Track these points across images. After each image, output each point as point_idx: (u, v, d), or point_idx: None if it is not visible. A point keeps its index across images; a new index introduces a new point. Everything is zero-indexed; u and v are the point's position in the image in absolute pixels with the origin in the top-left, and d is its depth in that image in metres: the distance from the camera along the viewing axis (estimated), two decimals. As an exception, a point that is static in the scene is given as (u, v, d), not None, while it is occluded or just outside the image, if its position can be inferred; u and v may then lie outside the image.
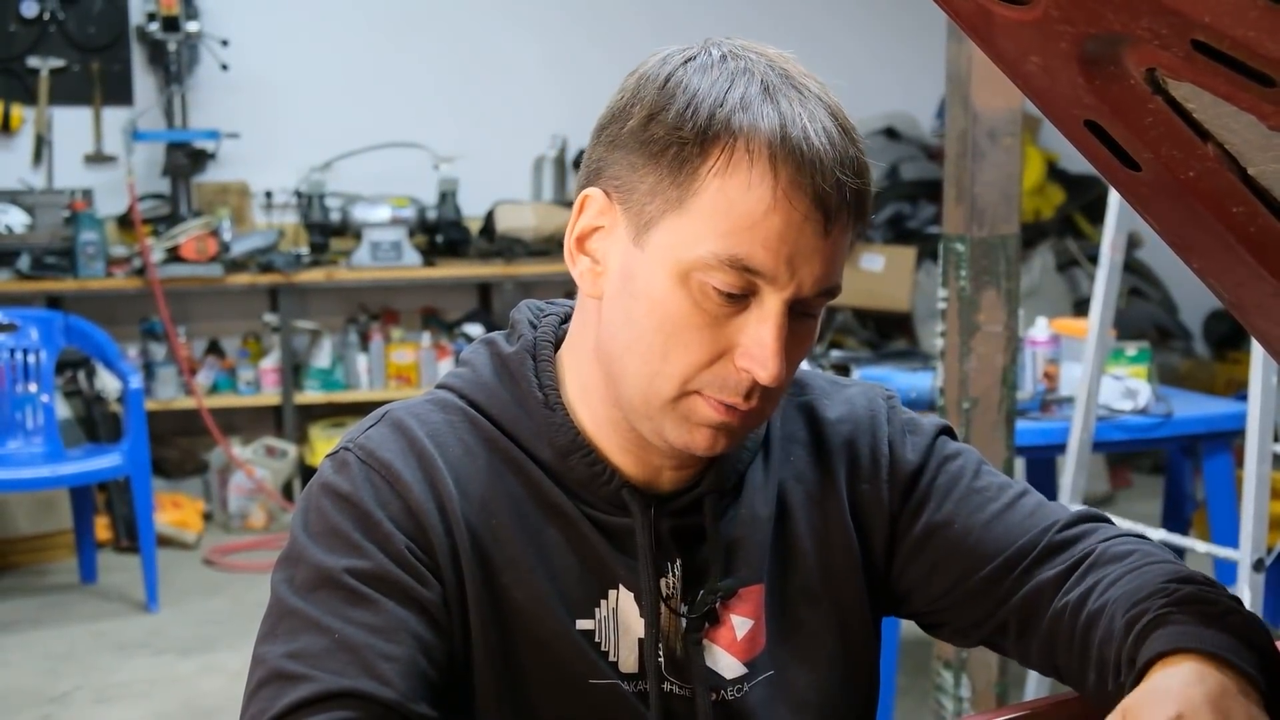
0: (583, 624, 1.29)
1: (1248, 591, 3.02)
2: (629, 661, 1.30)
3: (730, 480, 1.34)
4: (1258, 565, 3.02)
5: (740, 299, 1.18)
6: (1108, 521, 1.41)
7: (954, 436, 1.46)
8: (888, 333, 6.72)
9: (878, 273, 6.57)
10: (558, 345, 1.35)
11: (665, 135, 1.19)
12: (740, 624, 1.33)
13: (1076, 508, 1.43)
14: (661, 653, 1.30)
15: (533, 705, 1.28)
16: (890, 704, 3.46)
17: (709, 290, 1.18)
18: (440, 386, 1.36)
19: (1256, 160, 1.07)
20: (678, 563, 1.32)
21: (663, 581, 1.31)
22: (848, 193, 1.18)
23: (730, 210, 1.16)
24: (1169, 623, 1.15)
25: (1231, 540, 3.31)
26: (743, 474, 1.36)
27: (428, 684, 1.19)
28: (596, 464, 1.30)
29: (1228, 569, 3.21)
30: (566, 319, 1.37)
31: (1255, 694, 1.10)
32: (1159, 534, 3.43)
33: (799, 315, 1.21)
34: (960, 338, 2.71)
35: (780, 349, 1.18)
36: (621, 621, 1.30)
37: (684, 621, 1.31)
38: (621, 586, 1.30)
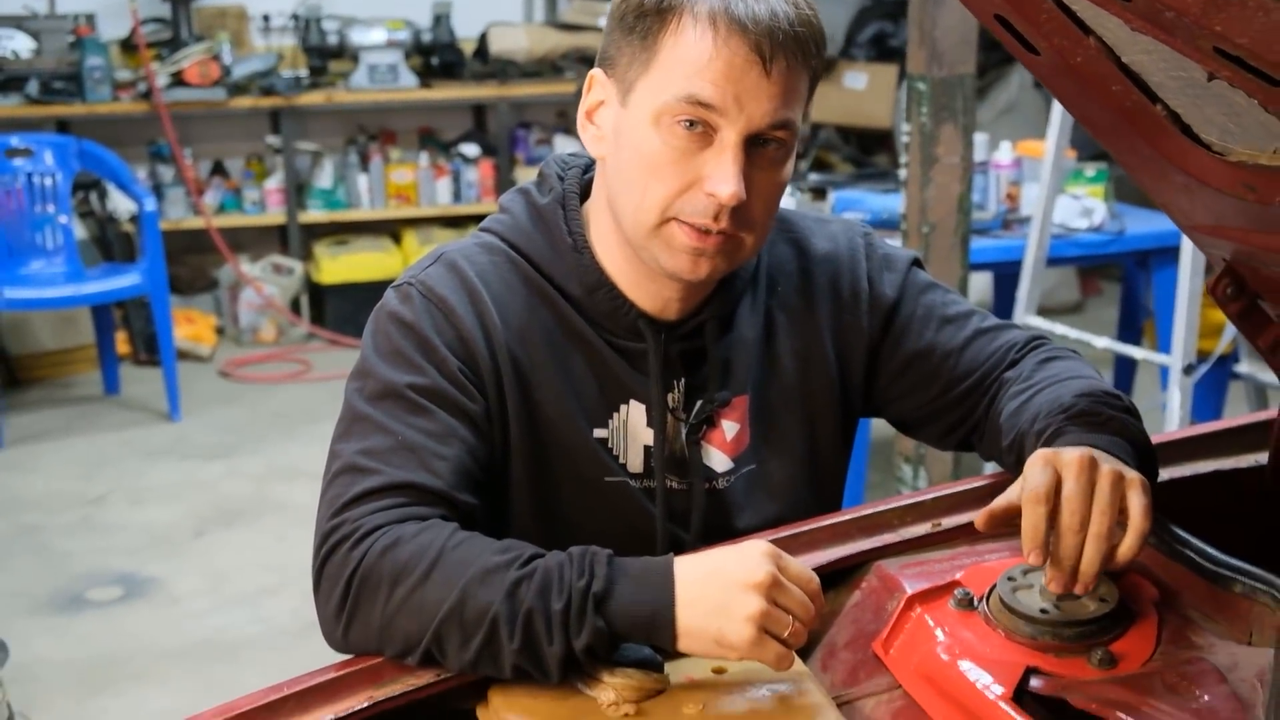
0: (599, 433, 1.58)
1: (1177, 393, 3.33)
2: (635, 463, 1.60)
3: (727, 310, 1.62)
4: (1187, 370, 3.33)
5: (703, 133, 1.43)
6: (1049, 342, 1.72)
7: (923, 267, 1.75)
8: (870, 149, 6.92)
9: (860, 91, 6.75)
10: (584, 196, 1.63)
11: (634, 13, 1.46)
12: (729, 427, 1.63)
13: (1025, 329, 1.74)
14: (665, 453, 1.59)
15: (557, 498, 1.58)
16: (860, 496, 3.80)
17: (676, 129, 1.44)
18: (484, 230, 1.64)
19: (1128, 51, 1.33)
20: (682, 380, 1.60)
21: (669, 395, 1.60)
22: (781, 36, 1.42)
23: (682, 61, 1.42)
24: (1066, 432, 1.47)
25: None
26: (736, 302, 1.63)
27: (472, 479, 1.48)
28: (618, 299, 1.57)
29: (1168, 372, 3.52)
30: (588, 169, 1.64)
31: (1136, 466, 1.40)
32: (1103, 342, 3.72)
33: (760, 148, 1.46)
34: (920, 168, 2.99)
35: (737, 172, 1.43)
36: (630, 430, 1.59)
37: (685, 427, 1.61)
38: (633, 401, 1.59)
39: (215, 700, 1.33)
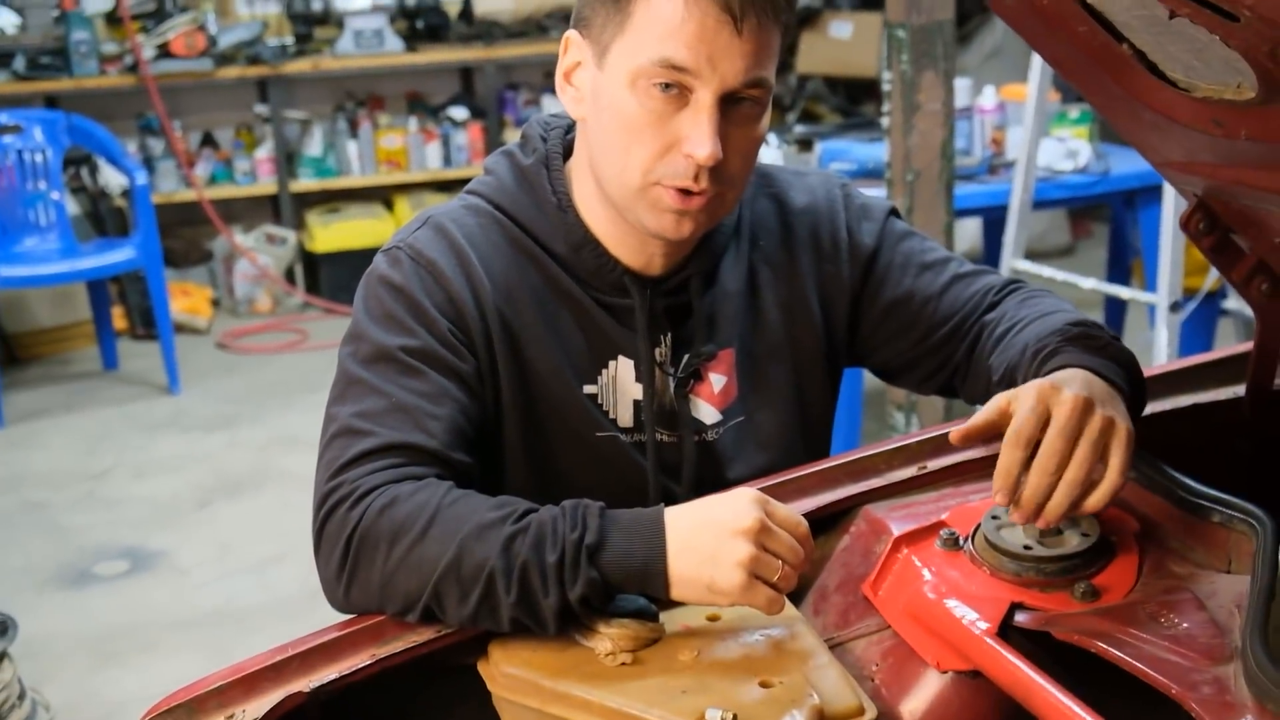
0: (588, 389, 1.61)
1: (1164, 331, 3.36)
2: (625, 418, 1.62)
3: (710, 264, 1.64)
4: (1173, 307, 3.36)
5: (679, 95, 1.45)
6: (1025, 285, 1.75)
7: (900, 216, 1.78)
8: (857, 98, 6.92)
9: (846, 40, 6.74)
10: (566, 155, 1.64)
11: None
12: (716, 380, 1.66)
13: (1001, 275, 1.76)
14: (655, 407, 1.62)
15: (550, 454, 1.61)
16: (856, 443, 3.83)
17: (653, 91, 1.45)
18: (470, 192, 1.66)
19: (1091, -8, 1.35)
20: (669, 334, 1.63)
21: (656, 350, 1.62)
22: None
23: (654, 24, 1.44)
24: (1063, 351, 1.49)
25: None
26: (720, 258, 1.66)
27: (465, 438, 1.51)
28: (603, 256, 1.60)
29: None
30: (570, 129, 1.66)
31: (1121, 399, 1.43)
32: (1090, 283, 3.74)
33: (735, 105, 1.47)
34: (903, 116, 3.00)
35: (713, 132, 1.45)
36: (619, 386, 1.62)
37: (673, 381, 1.63)
38: (621, 356, 1.61)
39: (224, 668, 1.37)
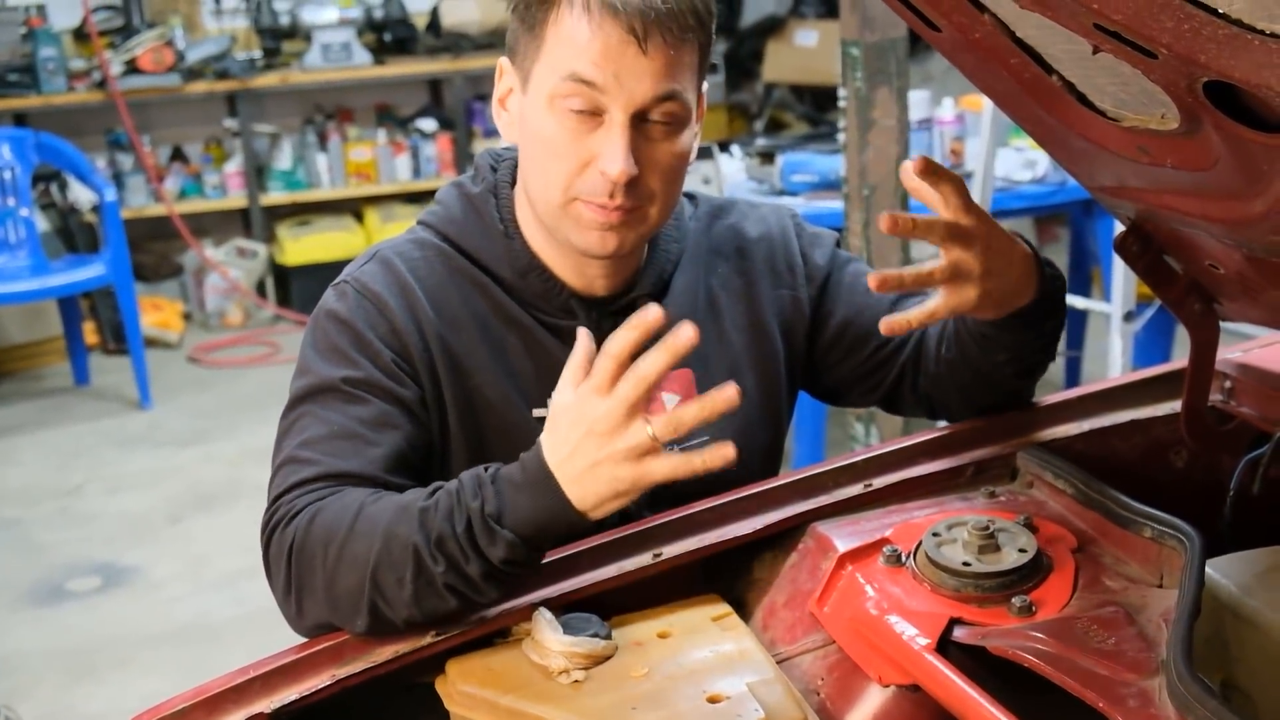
0: (538, 412, 1.63)
1: (1118, 340, 3.41)
2: None
3: (656, 286, 1.68)
4: (1127, 317, 3.41)
5: (592, 116, 1.50)
6: None
7: (841, 246, 1.85)
8: (824, 106, 6.96)
9: (811, 48, 6.79)
10: (514, 183, 1.68)
11: (524, 8, 1.53)
12: (669, 399, 1.69)
13: None
14: None
15: None
16: (821, 452, 3.88)
17: (567, 113, 1.50)
18: (420, 224, 1.70)
19: (1022, 26, 1.39)
20: None
21: None
22: (654, 15, 1.47)
23: (564, 44, 1.49)
24: None
25: (1119, 293, 3.69)
26: (668, 281, 1.70)
27: (407, 464, 1.54)
28: (549, 280, 1.64)
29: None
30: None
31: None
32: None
33: (652, 122, 1.51)
34: (858, 132, 3.05)
35: (624, 149, 1.49)
36: None
37: None
38: None
39: (198, 683, 1.39)
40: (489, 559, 1.34)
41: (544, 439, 1.35)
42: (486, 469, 1.38)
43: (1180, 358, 3.73)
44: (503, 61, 1.60)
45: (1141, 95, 1.30)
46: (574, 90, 1.48)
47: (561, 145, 1.52)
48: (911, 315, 1.52)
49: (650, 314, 1.29)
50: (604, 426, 1.29)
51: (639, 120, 1.50)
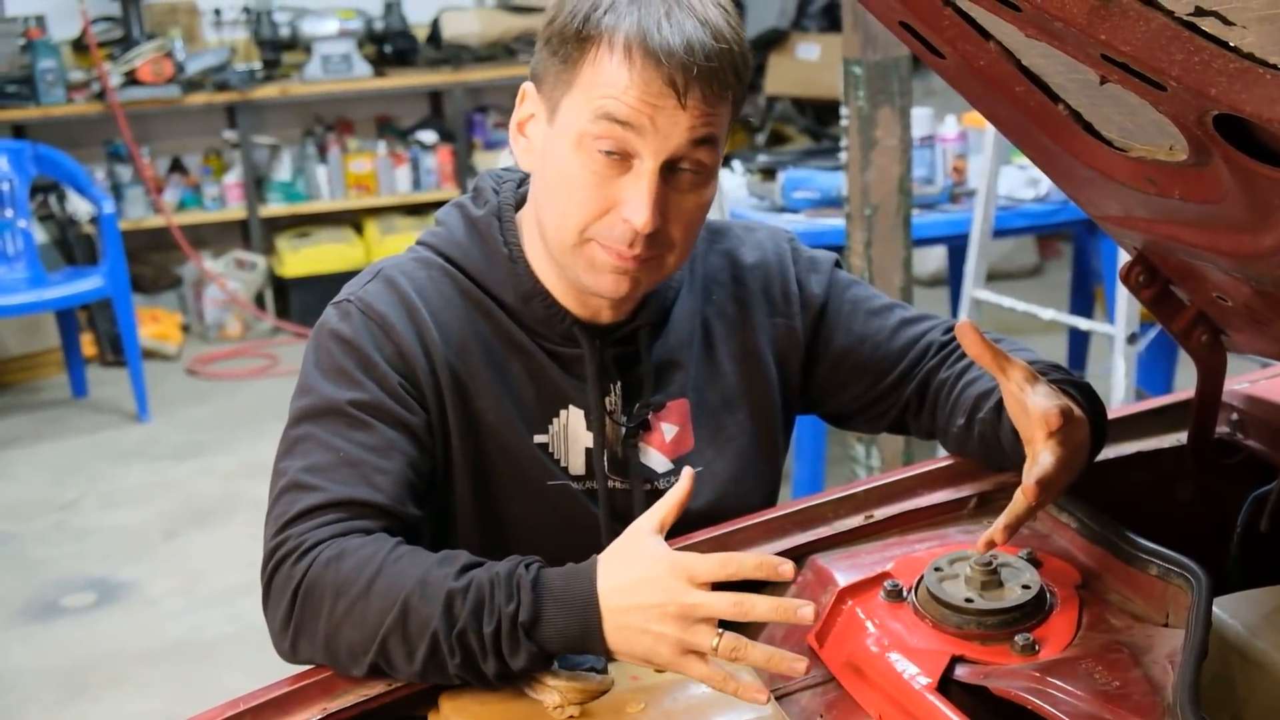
0: (539, 438, 1.62)
1: (1121, 362, 3.39)
2: (577, 466, 1.63)
3: (658, 315, 1.66)
4: (1131, 339, 3.39)
5: (621, 160, 1.47)
6: None
7: (841, 266, 1.81)
8: (825, 120, 6.95)
9: (814, 62, 6.77)
10: (518, 206, 1.66)
11: (558, 36, 1.49)
12: (668, 429, 1.67)
13: (943, 320, 1.80)
14: (605, 456, 1.64)
15: (501, 504, 1.61)
16: (821, 472, 3.85)
17: (596, 154, 1.47)
18: (421, 244, 1.67)
19: (1027, 55, 1.37)
20: (618, 384, 1.64)
21: (606, 399, 1.64)
22: (696, 70, 1.44)
23: (600, 85, 1.46)
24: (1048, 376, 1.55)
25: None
26: (669, 309, 1.68)
27: (413, 491, 1.52)
28: (552, 306, 1.61)
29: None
30: (522, 183, 1.68)
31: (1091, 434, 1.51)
32: (1049, 313, 3.77)
33: (678, 174, 1.49)
34: (860, 152, 3.03)
35: (652, 201, 1.46)
36: (571, 434, 1.63)
37: (624, 430, 1.65)
38: (571, 406, 1.63)
39: (193, 701, 1.37)
40: (508, 664, 1.33)
41: (605, 567, 1.35)
42: (527, 566, 1.36)
43: (1183, 378, 3.68)
44: (527, 86, 1.56)
45: (1149, 126, 1.28)
46: (606, 131, 1.45)
47: (585, 186, 1.49)
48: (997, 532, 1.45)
49: (784, 568, 1.32)
50: (678, 613, 1.30)
51: (667, 169, 1.48)
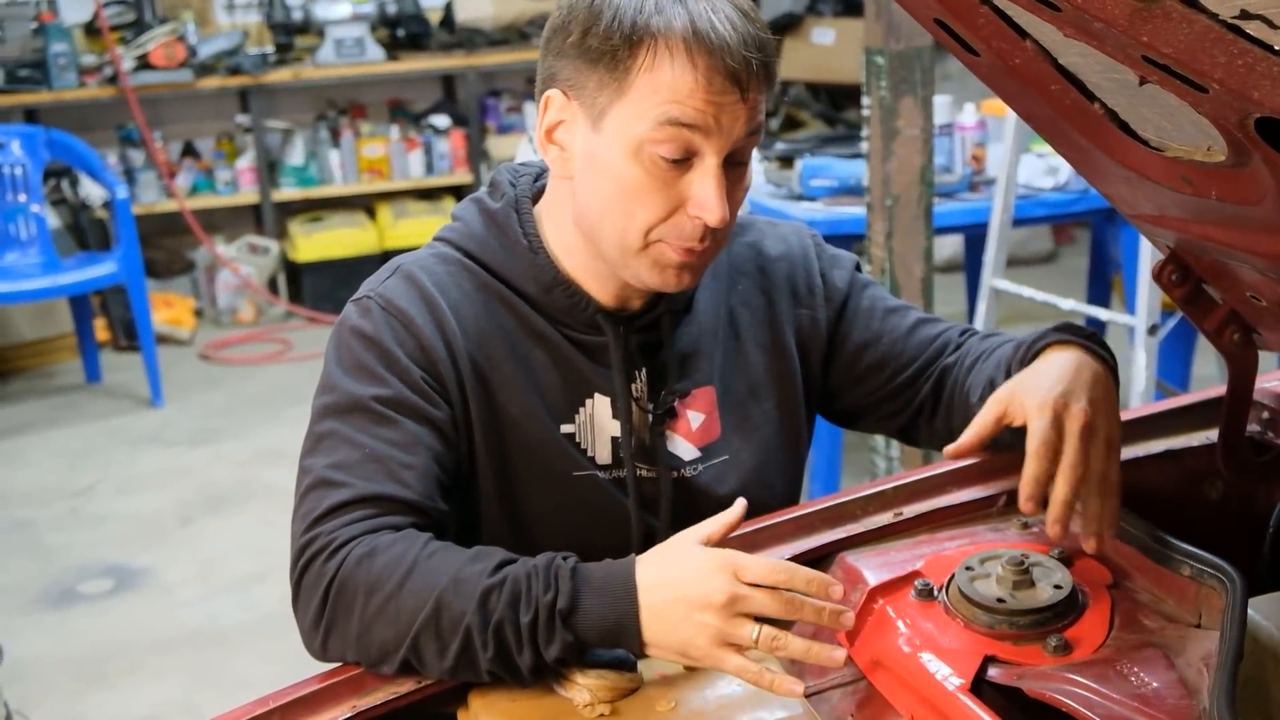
0: (565, 428, 1.62)
1: (1143, 353, 3.38)
2: (604, 455, 1.63)
3: (682, 302, 1.66)
4: (1152, 330, 3.37)
5: (683, 162, 1.48)
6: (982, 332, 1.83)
7: (861, 270, 1.83)
8: (840, 104, 6.93)
9: (829, 46, 6.76)
10: (535, 200, 1.66)
11: (600, 45, 1.47)
12: (694, 417, 1.67)
13: (984, 292, 1.85)
14: (633, 442, 1.64)
15: (527, 497, 1.61)
16: (839, 459, 3.85)
17: (658, 159, 1.47)
18: (438, 239, 1.67)
19: (1064, 54, 1.36)
20: (643, 370, 1.65)
21: (632, 385, 1.64)
22: (754, 65, 1.46)
23: (660, 91, 1.45)
24: (1049, 337, 1.59)
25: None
26: (692, 296, 1.68)
27: (440, 485, 1.52)
28: (575, 295, 1.61)
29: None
30: (539, 177, 1.68)
31: (1114, 382, 1.53)
32: (1069, 304, 3.75)
33: (733, 165, 1.51)
34: (882, 142, 3.01)
35: (723, 197, 1.48)
36: (597, 423, 1.63)
37: (650, 416, 1.65)
38: (597, 394, 1.62)
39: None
40: (542, 655, 1.34)
41: (645, 563, 1.37)
42: (565, 558, 1.38)
43: (1200, 367, 3.67)
44: (553, 94, 1.53)
45: (1188, 126, 1.27)
46: (672, 136, 1.45)
47: (649, 191, 1.49)
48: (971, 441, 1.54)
49: (835, 590, 1.35)
50: (724, 603, 1.31)
51: (725, 161, 1.49)
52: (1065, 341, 1.57)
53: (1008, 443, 1.54)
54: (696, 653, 1.33)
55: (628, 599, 1.34)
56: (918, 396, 1.77)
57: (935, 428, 1.78)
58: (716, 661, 1.33)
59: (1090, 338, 1.59)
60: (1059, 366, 1.53)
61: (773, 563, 1.35)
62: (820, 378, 1.78)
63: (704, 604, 1.31)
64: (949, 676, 1.31)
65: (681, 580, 1.34)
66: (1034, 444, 1.43)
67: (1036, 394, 1.48)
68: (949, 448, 1.56)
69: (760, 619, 1.33)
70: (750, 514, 1.45)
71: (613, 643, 1.36)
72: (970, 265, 4.86)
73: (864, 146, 3.12)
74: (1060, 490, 1.43)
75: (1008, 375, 1.59)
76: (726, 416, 1.69)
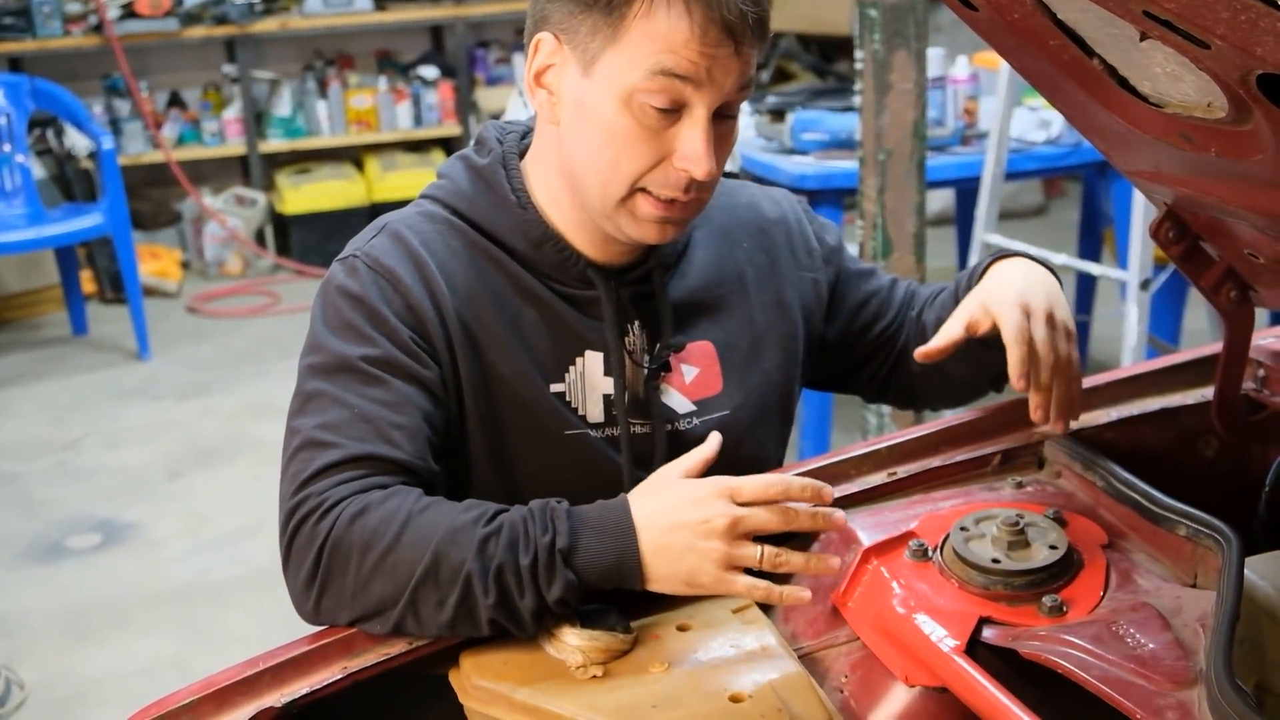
0: (556, 387, 1.60)
1: (1134, 308, 3.37)
2: (595, 413, 1.62)
3: (671, 256, 1.65)
4: (1144, 285, 3.36)
5: (673, 113, 1.46)
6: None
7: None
8: (830, 56, 6.89)
9: (819, -3, 6.69)
10: (522, 156, 1.64)
11: None
12: (689, 371, 1.66)
13: (976, 246, 1.90)
14: (626, 397, 1.63)
15: (517, 457, 1.60)
16: (829, 415, 3.84)
17: (648, 109, 1.45)
18: (425, 197, 1.65)
19: (1063, 9, 1.34)
20: (636, 323, 1.63)
21: (625, 339, 1.63)
22: (750, 18, 1.44)
23: (654, 39, 1.43)
24: (990, 257, 1.69)
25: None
26: (683, 251, 1.67)
27: (430, 445, 1.51)
28: (565, 249, 1.59)
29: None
30: (525, 134, 1.66)
31: (1059, 281, 1.66)
32: (1062, 259, 3.73)
33: (722, 118, 1.50)
34: (875, 95, 2.99)
35: (710, 149, 1.47)
36: (588, 381, 1.61)
37: (645, 370, 1.64)
38: (589, 351, 1.61)
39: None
40: (544, 596, 1.34)
41: (638, 499, 1.39)
42: (559, 502, 1.38)
43: (1190, 320, 3.67)
44: (543, 36, 1.51)
45: (1188, 82, 1.25)
46: (664, 87, 1.44)
47: (638, 140, 1.47)
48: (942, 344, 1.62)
49: (826, 492, 1.39)
50: (726, 526, 1.35)
51: (714, 116, 1.48)
52: (1006, 256, 1.70)
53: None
54: (706, 579, 1.34)
55: (627, 535, 1.35)
56: (895, 348, 1.83)
57: (902, 385, 1.85)
58: (726, 586, 1.35)
59: (1028, 256, 1.71)
60: (1011, 273, 1.64)
61: (764, 478, 1.38)
62: (819, 339, 1.79)
63: (707, 531, 1.33)
64: (944, 638, 1.31)
65: (679, 511, 1.35)
66: (1011, 333, 1.56)
67: (1000, 296, 1.60)
68: (919, 349, 1.62)
69: (759, 539, 1.36)
70: (741, 472, 1.44)
71: (614, 581, 1.36)
72: (961, 219, 4.84)
73: (856, 100, 3.09)
74: (1041, 377, 1.56)
75: (958, 302, 1.68)
76: (728, 372, 1.68)
